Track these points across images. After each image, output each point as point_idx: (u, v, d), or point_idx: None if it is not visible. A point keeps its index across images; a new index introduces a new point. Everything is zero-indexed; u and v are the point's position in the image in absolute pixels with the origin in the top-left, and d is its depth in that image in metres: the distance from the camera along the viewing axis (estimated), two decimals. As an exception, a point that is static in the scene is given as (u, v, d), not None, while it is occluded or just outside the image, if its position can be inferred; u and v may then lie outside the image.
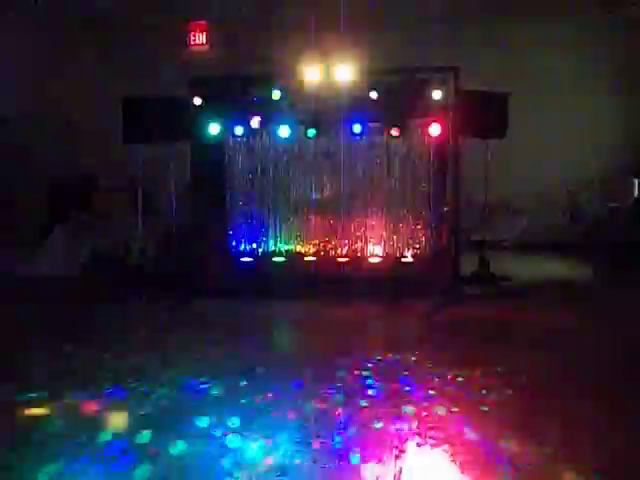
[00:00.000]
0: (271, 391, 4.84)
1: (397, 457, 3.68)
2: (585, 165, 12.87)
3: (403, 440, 3.91)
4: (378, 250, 9.16)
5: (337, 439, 3.94)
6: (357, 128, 8.95)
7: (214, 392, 4.86)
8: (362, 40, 10.97)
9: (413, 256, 9.03)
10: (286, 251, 9.25)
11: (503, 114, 9.09)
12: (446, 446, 3.81)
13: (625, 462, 3.64)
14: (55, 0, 12.52)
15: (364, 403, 4.58)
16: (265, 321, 7.46)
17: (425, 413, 4.35)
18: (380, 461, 3.63)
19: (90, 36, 12.99)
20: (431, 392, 4.80)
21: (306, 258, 9.15)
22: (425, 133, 8.83)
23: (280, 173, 9.23)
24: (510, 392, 4.78)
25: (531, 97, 12.01)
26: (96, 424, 4.24)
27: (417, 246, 9.08)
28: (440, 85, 8.69)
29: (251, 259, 9.21)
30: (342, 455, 3.71)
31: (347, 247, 9.19)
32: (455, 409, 4.43)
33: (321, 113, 8.88)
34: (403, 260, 9.00)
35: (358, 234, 9.19)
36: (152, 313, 7.91)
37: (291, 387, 4.97)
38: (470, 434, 3.99)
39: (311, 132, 8.93)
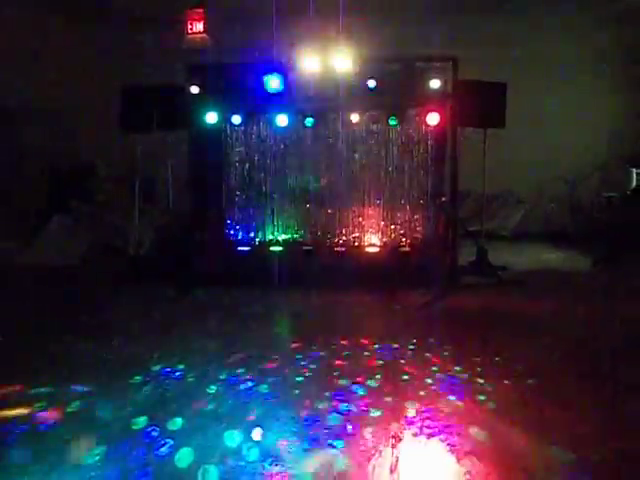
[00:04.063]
0: (267, 378, 4.86)
1: (394, 446, 3.70)
2: (583, 155, 12.85)
3: (400, 429, 3.93)
4: (376, 239, 9.16)
5: (334, 428, 3.95)
6: (355, 117, 8.94)
7: (211, 380, 4.88)
8: (361, 28, 10.89)
9: (411, 245, 9.03)
10: (283, 240, 9.25)
11: (501, 103, 9.07)
12: (442, 435, 3.83)
13: (622, 445, 3.66)
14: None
15: (361, 392, 4.60)
16: (262, 309, 7.46)
17: (422, 402, 4.36)
18: (377, 450, 3.64)
19: (88, 25, 12.92)
20: (428, 381, 4.82)
21: (303, 247, 9.15)
22: (423, 122, 8.81)
23: (278, 162, 9.22)
24: (507, 382, 4.80)
25: (529, 87, 11.96)
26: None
27: (415, 235, 9.08)
28: (438, 74, 8.66)
29: (248, 248, 9.20)
30: (338, 443, 3.73)
31: (345, 236, 9.20)
32: (452, 398, 4.44)
33: (319, 102, 8.86)
34: (401, 249, 9.00)
35: (356, 223, 9.19)
36: (150, 303, 7.90)
37: (285, 376, 4.98)
38: (467, 423, 4.00)
39: (309, 121, 8.92)
